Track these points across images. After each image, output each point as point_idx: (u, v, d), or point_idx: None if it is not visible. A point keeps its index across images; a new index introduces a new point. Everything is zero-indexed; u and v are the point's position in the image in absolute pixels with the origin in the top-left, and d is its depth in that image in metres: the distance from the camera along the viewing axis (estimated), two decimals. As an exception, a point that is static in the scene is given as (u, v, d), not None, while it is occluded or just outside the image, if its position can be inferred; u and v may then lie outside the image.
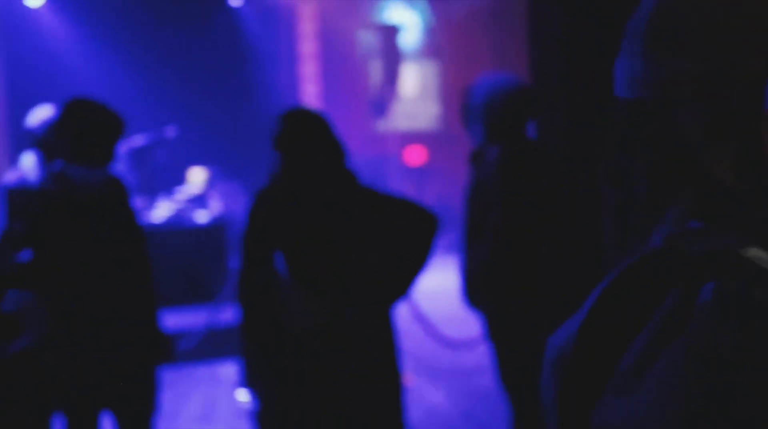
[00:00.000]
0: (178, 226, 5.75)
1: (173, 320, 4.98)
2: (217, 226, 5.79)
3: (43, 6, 7.36)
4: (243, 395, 2.53)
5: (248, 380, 2.45)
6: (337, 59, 8.87)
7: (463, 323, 4.48)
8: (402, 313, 3.17)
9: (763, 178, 0.65)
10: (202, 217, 5.85)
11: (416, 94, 9.23)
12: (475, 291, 2.95)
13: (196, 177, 6.47)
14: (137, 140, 5.96)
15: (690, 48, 0.68)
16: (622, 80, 0.74)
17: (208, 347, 4.62)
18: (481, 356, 4.31)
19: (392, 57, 8.59)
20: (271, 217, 2.39)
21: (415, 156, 9.13)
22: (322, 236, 2.38)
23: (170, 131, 6.34)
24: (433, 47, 9.19)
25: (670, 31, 0.69)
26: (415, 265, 2.48)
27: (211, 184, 6.43)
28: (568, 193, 2.90)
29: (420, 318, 4.59)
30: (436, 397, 4.26)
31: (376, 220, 2.45)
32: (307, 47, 8.77)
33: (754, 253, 0.45)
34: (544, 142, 3.11)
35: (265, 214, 2.40)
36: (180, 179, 6.53)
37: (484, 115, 2.94)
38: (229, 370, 4.69)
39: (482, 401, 4.25)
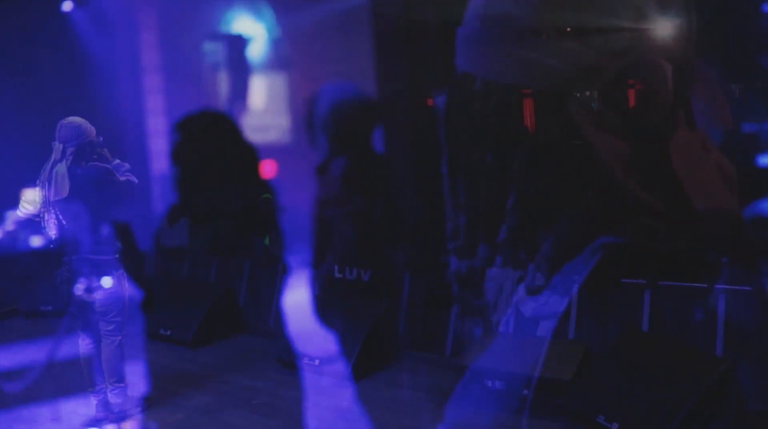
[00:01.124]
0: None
1: None
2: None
3: None
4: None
5: None
6: (183, 71, 8.55)
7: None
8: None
9: (660, 184, 0.66)
10: (35, 241, 5.46)
11: (265, 107, 9.07)
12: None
13: (32, 197, 6.02)
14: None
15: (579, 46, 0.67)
16: (502, 68, 0.72)
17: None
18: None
19: (241, 69, 8.39)
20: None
21: (266, 170, 8.95)
22: None
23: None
24: (281, 59, 9.08)
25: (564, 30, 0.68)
26: None
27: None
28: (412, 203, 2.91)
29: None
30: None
31: None
32: (149, 58, 8.40)
33: None
34: (391, 152, 3.12)
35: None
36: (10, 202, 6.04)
37: (327, 127, 2.90)
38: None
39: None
